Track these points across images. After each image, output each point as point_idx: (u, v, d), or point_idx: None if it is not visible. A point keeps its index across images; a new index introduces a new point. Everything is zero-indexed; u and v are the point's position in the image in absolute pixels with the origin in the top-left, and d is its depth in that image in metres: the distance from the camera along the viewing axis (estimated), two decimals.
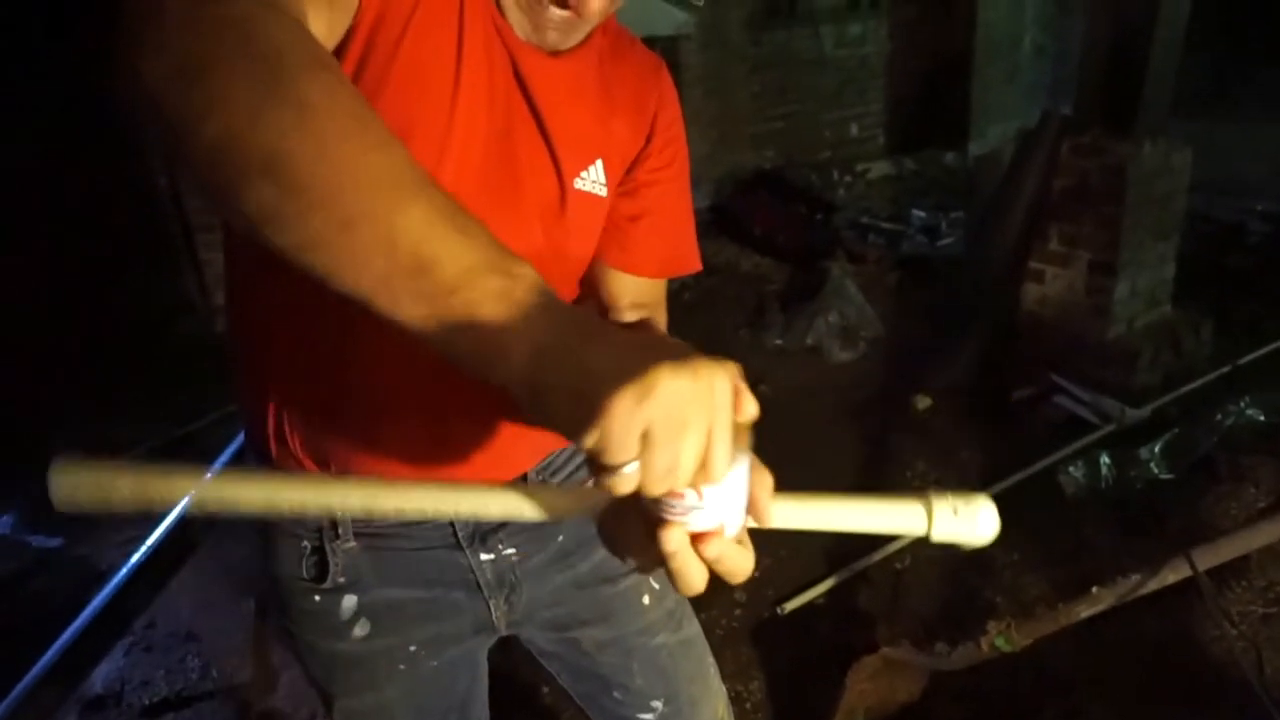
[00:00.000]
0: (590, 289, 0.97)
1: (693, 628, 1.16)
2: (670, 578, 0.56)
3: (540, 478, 0.99)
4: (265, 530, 0.95)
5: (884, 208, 5.26)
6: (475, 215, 0.54)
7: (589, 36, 0.86)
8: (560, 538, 1.03)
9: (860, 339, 3.74)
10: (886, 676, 1.83)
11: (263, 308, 0.86)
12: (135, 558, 2.53)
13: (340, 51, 0.73)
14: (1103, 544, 2.46)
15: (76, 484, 0.59)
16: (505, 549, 0.98)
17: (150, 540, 2.58)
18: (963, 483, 2.75)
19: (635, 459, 0.49)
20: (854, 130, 6.19)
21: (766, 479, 0.58)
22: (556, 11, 0.78)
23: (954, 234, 4.68)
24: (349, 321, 0.80)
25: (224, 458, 2.85)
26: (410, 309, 0.52)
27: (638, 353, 0.49)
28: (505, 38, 0.81)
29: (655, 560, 0.56)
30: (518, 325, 0.51)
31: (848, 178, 5.74)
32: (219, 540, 2.58)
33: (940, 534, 0.61)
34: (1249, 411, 2.87)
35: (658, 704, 1.12)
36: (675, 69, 5.33)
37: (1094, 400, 2.99)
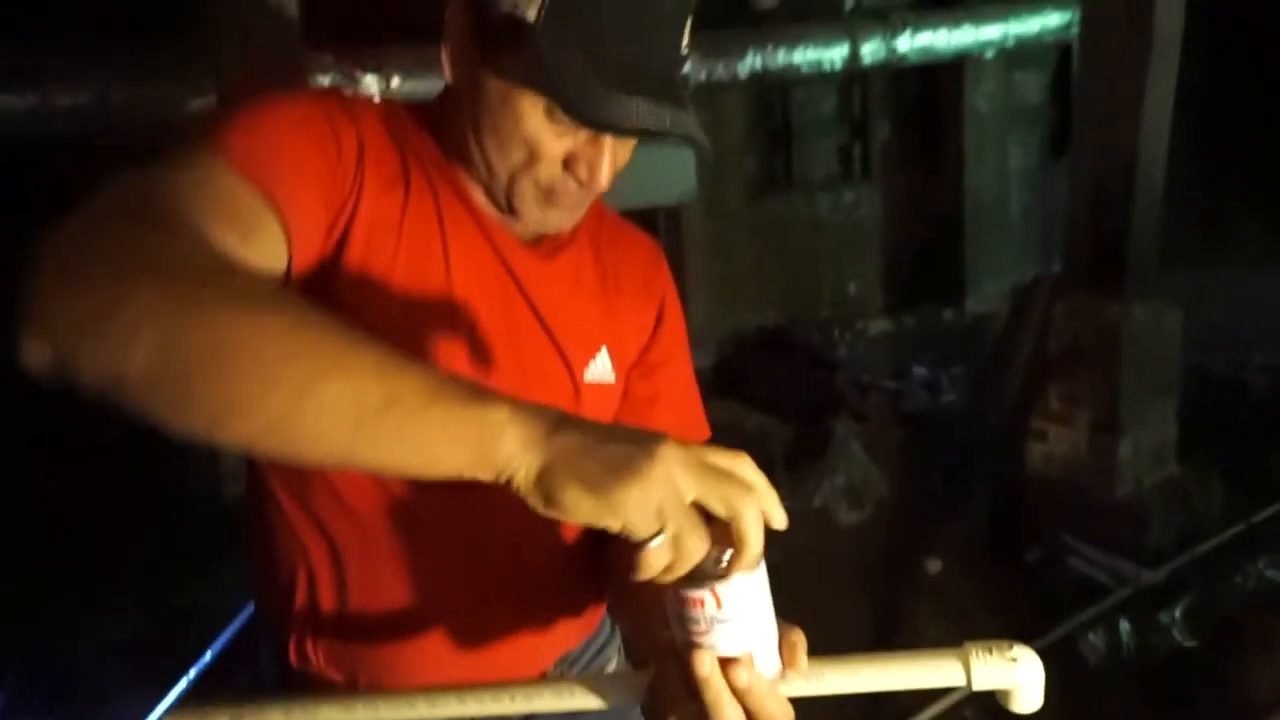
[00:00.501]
0: None
1: None
2: (707, 715, 0.58)
3: (559, 670, 0.97)
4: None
5: (885, 365, 5.34)
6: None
7: (578, 226, 0.88)
8: None
9: (867, 500, 3.72)
10: None
11: (285, 522, 0.86)
12: None
13: (326, 282, 0.75)
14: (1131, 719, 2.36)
15: None
16: None
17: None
18: None
19: (659, 532, 0.54)
20: (852, 289, 6.36)
21: (797, 631, 0.63)
22: (573, 186, 0.80)
23: (955, 390, 4.72)
24: (374, 537, 0.83)
25: (228, 634, 2.78)
26: (394, 448, 0.54)
27: (631, 435, 0.56)
28: (495, 242, 0.84)
29: (696, 710, 0.58)
30: (501, 423, 0.54)
31: (848, 335, 5.86)
32: None
33: (983, 680, 0.61)
34: (1268, 572, 2.81)
35: None
36: (678, 235, 5.58)
37: (1108, 561, 2.93)
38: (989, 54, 5.88)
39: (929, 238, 6.47)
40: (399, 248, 0.79)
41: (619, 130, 0.74)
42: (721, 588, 0.56)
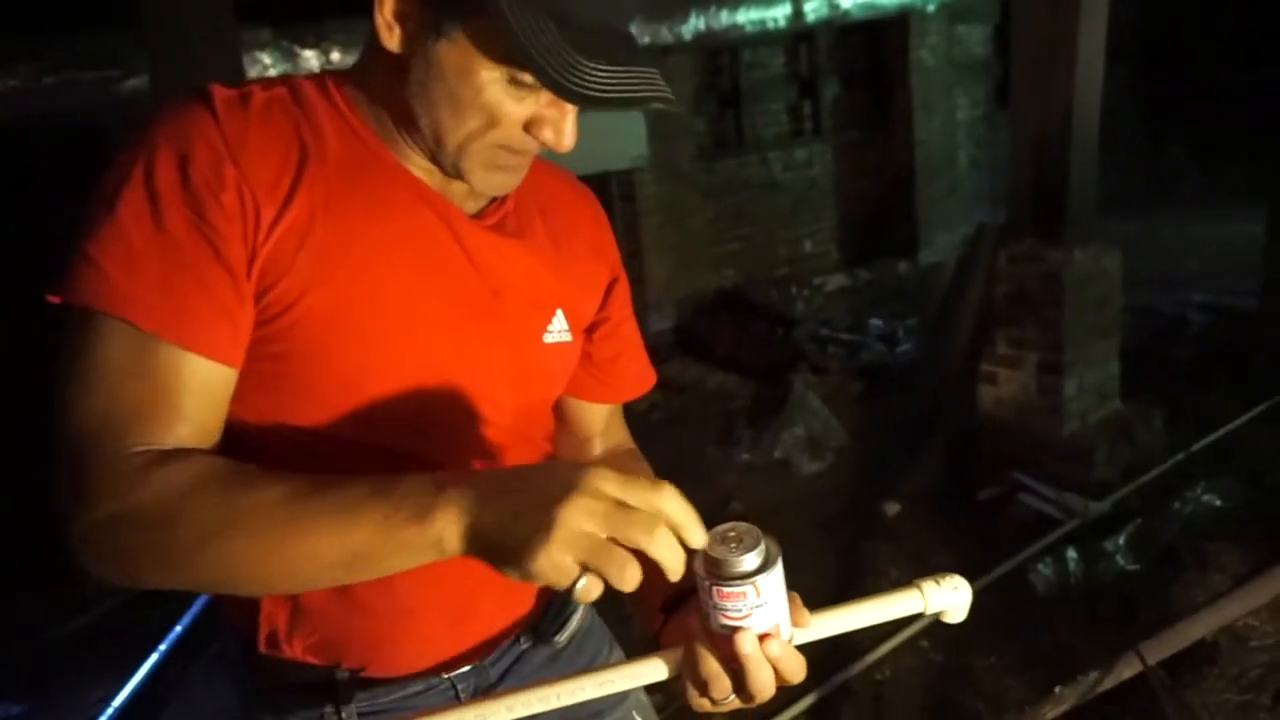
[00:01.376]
0: (560, 419, 1.01)
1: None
2: (747, 684, 0.68)
3: (528, 635, 0.99)
4: (255, 697, 0.92)
5: (842, 319, 5.43)
6: (345, 477, 0.71)
7: (520, 189, 0.87)
8: None
9: (827, 450, 3.81)
10: None
11: None
12: (102, 718, 2.46)
13: (276, 311, 0.77)
14: (1078, 641, 2.47)
15: None
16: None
17: (118, 701, 2.51)
18: None
19: (579, 576, 0.63)
20: (808, 246, 6.43)
21: (795, 597, 0.71)
22: (532, 148, 0.80)
23: (911, 341, 4.83)
24: None
25: (192, 614, 2.80)
26: (367, 575, 0.71)
27: (540, 499, 0.64)
28: (441, 215, 0.83)
29: (734, 679, 0.69)
30: (443, 533, 0.66)
31: (805, 292, 5.93)
32: (188, 701, 2.52)
33: (935, 605, 0.76)
34: (1206, 497, 2.95)
35: None
36: (632, 200, 5.59)
37: (1057, 496, 3.05)
38: (931, 7, 5.93)
39: (881, 192, 6.55)
40: (326, 247, 0.78)
41: (605, 103, 0.72)
42: (761, 579, 0.66)
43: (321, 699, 0.87)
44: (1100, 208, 3.35)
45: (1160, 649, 1.59)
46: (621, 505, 0.63)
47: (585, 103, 0.72)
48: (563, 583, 0.63)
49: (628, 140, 5.05)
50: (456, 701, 0.92)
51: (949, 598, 0.76)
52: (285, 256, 0.76)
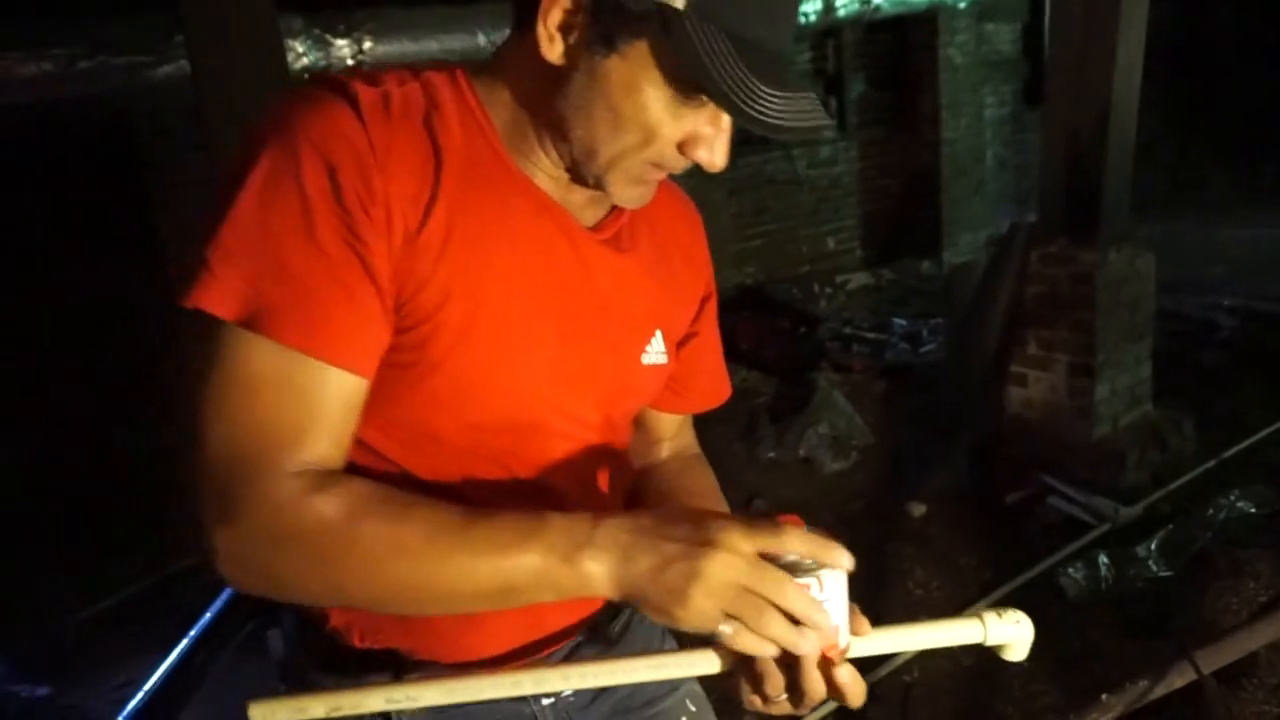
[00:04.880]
0: (633, 421, 1.00)
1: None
2: (800, 682, 0.71)
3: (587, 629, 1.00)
4: (313, 662, 0.92)
5: (866, 318, 5.40)
6: (496, 511, 0.73)
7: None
8: None
9: (851, 448, 3.79)
10: None
11: None
12: (130, 706, 2.47)
13: (415, 323, 0.76)
14: (1109, 647, 2.45)
15: (273, 715, 0.74)
16: (565, 691, 0.98)
17: (146, 686, 2.52)
18: (963, 589, 2.74)
19: (724, 625, 0.68)
20: (831, 244, 6.40)
21: (855, 607, 0.74)
22: (679, 166, 0.78)
23: (935, 340, 4.79)
24: None
25: (211, 612, 2.81)
26: (505, 605, 0.74)
27: (685, 550, 0.68)
28: (563, 228, 0.82)
29: (788, 676, 0.71)
30: (593, 575, 0.70)
31: (828, 290, 5.91)
32: (218, 687, 2.53)
33: (995, 638, 0.77)
34: (1239, 504, 2.91)
35: None
36: None
37: (1087, 500, 3.02)
38: (961, 4, 5.87)
39: (905, 191, 6.51)
40: (462, 258, 0.77)
41: (777, 130, 0.71)
42: (826, 575, 0.69)
43: (382, 667, 0.88)
44: (1131, 210, 3.31)
45: (1215, 657, 1.56)
46: (756, 559, 0.68)
47: (762, 129, 0.70)
48: (707, 629, 0.68)
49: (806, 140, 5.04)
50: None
51: (1010, 631, 0.78)
52: (425, 269, 0.76)
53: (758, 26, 0.71)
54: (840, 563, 0.69)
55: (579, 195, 0.84)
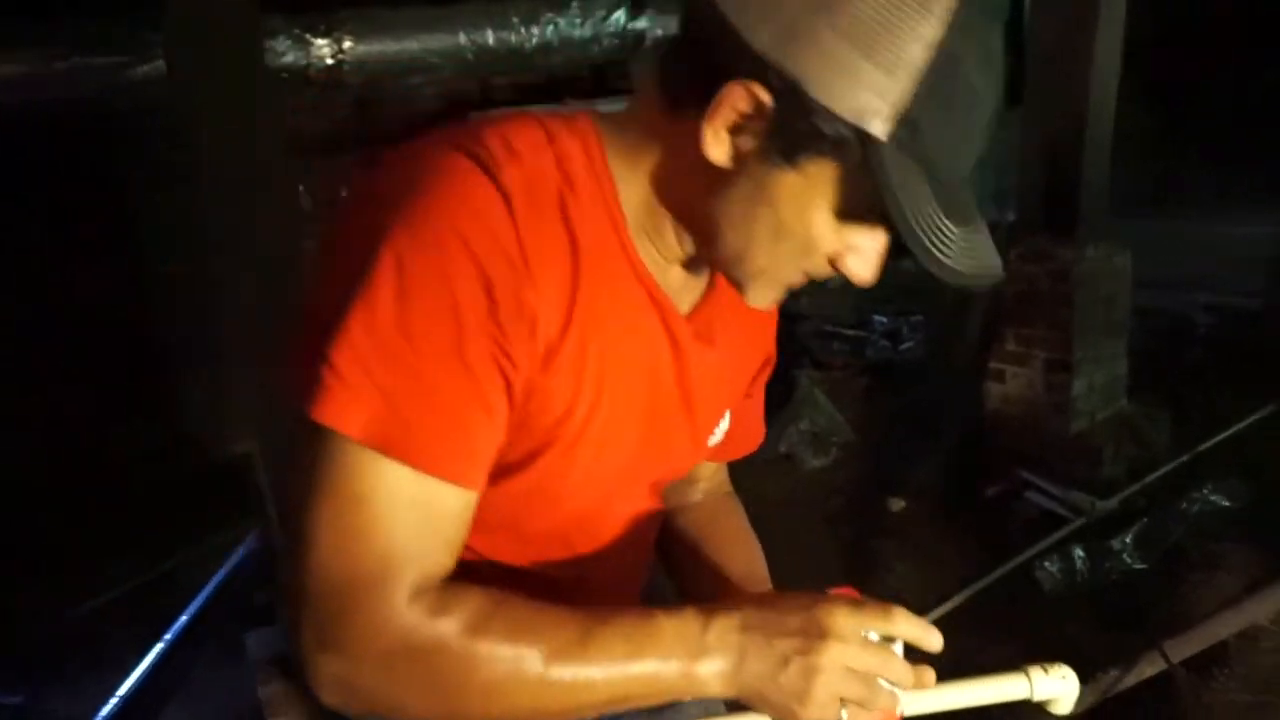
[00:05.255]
0: None
1: None
2: None
3: None
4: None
5: (847, 315, 5.42)
6: (616, 614, 0.72)
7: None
8: None
9: (832, 445, 3.81)
10: None
11: None
12: (105, 710, 2.46)
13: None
14: (1084, 639, 2.48)
15: None
16: None
17: (122, 691, 2.51)
18: (942, 583, 2.77)
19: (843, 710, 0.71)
20: None
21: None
22: (827, 274, 0.75)
23: (915, 338, 4.83)
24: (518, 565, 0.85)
25: (203, 597, 2.81)
26: (621, 708, 0.72)
27: (799, 646, 0.70)
28: (665, 315, 0.79)
29: None
30: (708, 679, 0.71)
31: (809, 287, 5.92)
32: (194, 691, 2.52)
33: (1041, 693, 0.80)
34: (1213, 498, 2.96)
35: None
36: None
37: (1063, 494, 3.06)
38: None
39: None
40: (589, 366, 0.75)
41: (962, 279, 0.67)
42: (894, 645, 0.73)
43: None
44: (1110, 207, 3.34)
45: (1184, 648, 1.59)
46: (866, 642, 0.71)
47: (944, 274, 0.67)
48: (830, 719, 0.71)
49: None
50: None
51: (1056, 686, 0.80)
52: (558, 385, 0.74)
53: (953, 156, 0.68)
54: (934, 644, 0.73)
55: (678, 276, 0.80)
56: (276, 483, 2.31)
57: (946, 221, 0.66)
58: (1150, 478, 3.16)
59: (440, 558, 0.70)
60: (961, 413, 3.52)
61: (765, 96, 0.65)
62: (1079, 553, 2.74)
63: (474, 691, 0.69)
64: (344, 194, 0.76)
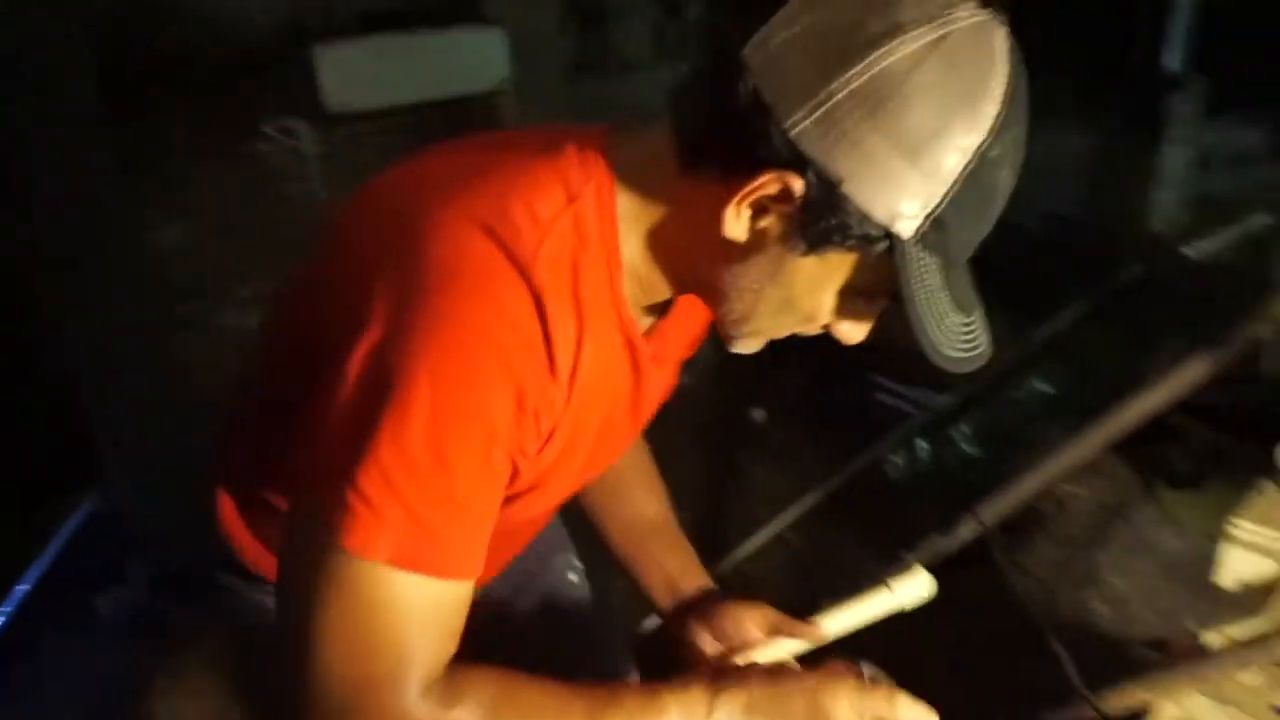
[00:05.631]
0: None
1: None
2: None
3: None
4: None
5: None
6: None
7: None
8: None
9: (697, 363, 3.93)
10: None
11: None
12: None
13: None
14: (931, 522, 2.69)
15: None
16: None
17: None
18: (801, 482, 2.94)
19: None
20: None
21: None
22: (817, 331, 0.77)
23: None
24: None
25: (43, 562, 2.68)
26: None
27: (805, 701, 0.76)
28: (637, 361, 0.81)
29: None
30: None
31: None
32: (46, 657, 2.44)
33: (903, 598, 0.93)
34: (1039, 385, 3.23)
35: None
36: (495, 124, 5.46)
37: (909, 392, 3.27)
38: None
39: None
40: (573, 419, 0.76)
41: (957, 367, 0.71)
42: None
43: None
44: None
45: (994, 510, 1.78)
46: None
47: (941, 362, 0.71)
48: None
49: (487, 60, 4.91)
50: None
51: (914, 586, 0.93)
52: (551, 450, 0.76)
53: (970, 247, 0.70)
54: None
55: (648, 308, 0.81)
56: (115, 441, 2.23)
57: (955, 315, 0.69)
58: (985, 372, 3.40)
59: (448, 646, 0.70)
60: None
61: (799, 188, 0.65)
62: (922, 444, 2.96)
63: None
64: (334, 232, 0.76)
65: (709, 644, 0.98)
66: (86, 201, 2.14)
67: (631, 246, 0.75)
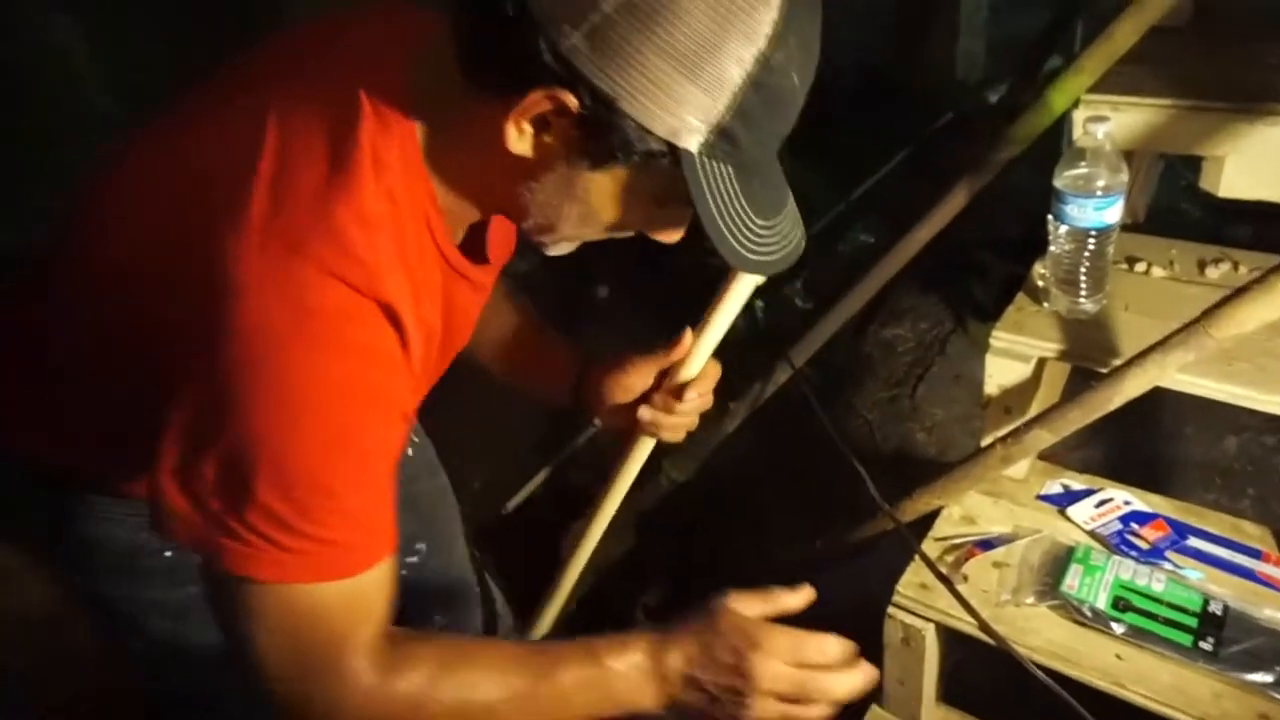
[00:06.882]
0: None
1: (444, 477, 1.36)
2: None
3: None
4: (81, 512, 0.90)
5: None
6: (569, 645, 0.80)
7: None
8: None
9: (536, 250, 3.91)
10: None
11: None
12: None
13: None
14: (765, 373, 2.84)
15: None
16: None
17: None
18: (646, 349, 3.01)
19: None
20: None
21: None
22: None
23: None
24: None
25: None
26: None
27: (720, 685, 0.78)
28: (472, 280, 0.84)
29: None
30: (652, 698, 0.80)
31: None
32: None
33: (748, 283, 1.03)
34: (861, 237, 3.40)
35: (421, 545, 1.26)
36: None
37: None
38: None
39: None
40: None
41: (763, 270, 0.72)
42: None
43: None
44: None
45: (804, 351, 1.91)
46: (800, 667, 0.77)
47: (746, 268, 0.71)
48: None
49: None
50: None
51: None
52: None
53: (767, 151, 0.69)
54: (868, 680, 0.82)
55: (468, 214, 0.81)
56: None
57: (755, 220, 0.69)
58: (813, 229, 3.55)
59: (381, 618, 0.74)
60: None
61: (573, 105, 0.63)
62: (758, 304, 3.08)
63: None
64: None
65: (624, 398, 1.15)
66: None
67: (441, 184, 0.75)
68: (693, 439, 2.49)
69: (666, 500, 2.07)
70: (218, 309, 0.63)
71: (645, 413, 1.10)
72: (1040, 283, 1.57)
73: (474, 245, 0.86)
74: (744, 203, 0.68)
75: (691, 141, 0.64)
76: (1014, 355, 1.50)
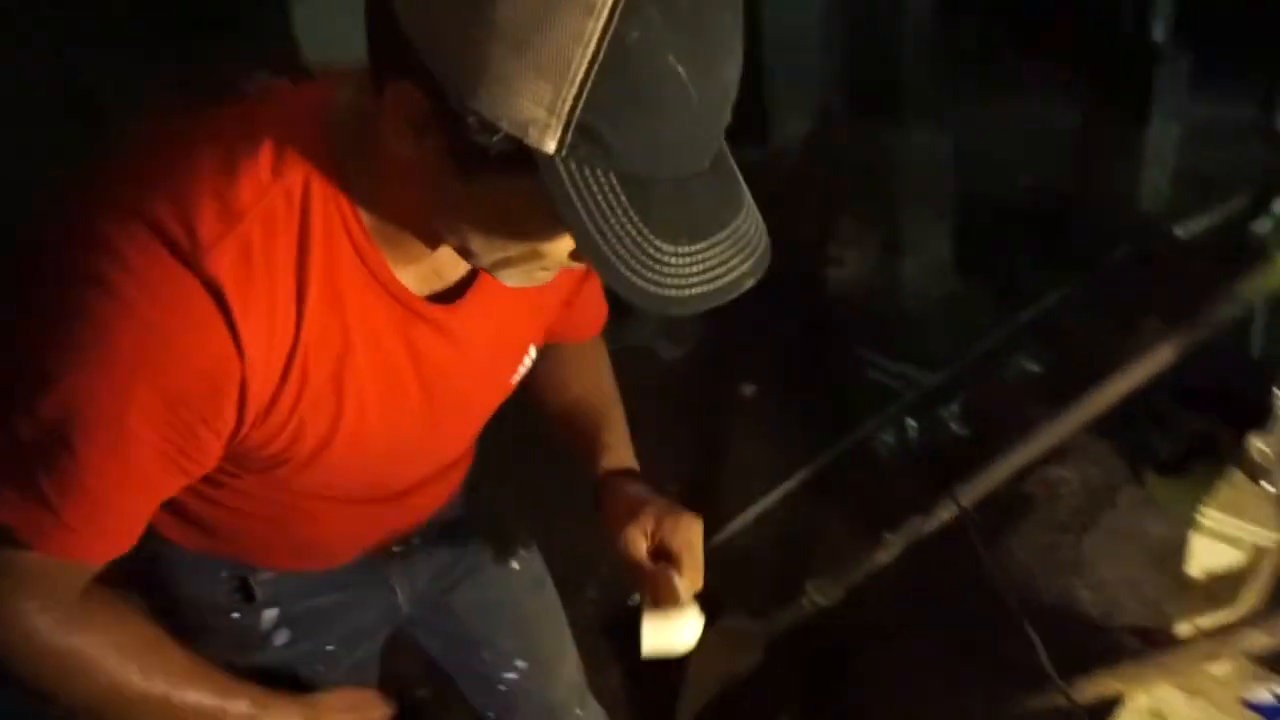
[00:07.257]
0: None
1: (553, 593, 1.28)
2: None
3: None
4: (167, 559, 0.94)
5: None
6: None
7: None
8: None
9: (687, 336, 3.92)
10: (726, 650, 1.97)
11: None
12: None
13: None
14: (918, 503, 2.71)
15: None
16: (413, 539, 1.07)
17: None
18: (789, 459, 2.94)
19: None
20: None
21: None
22: (578, 267, 0.67)
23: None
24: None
25: None
26: None
27: None
28: (438, 324, 0.76)
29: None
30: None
31: None
32: None
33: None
34: (1025, 365, 3.25)
35: (522, 663, 1.22)
36: None
37: (898, 370, 3.28)
38: None
39: None
40: (321, 394, 0.72)
41: (680, 310, 0.56)
42: None
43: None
44: (934, 93, 3.49)
45: (973, 492, 1.81)
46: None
47: (655, 306, 0.55)
48: None
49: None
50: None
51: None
52: (275, 425, 0.71)
53: (662, 157, 0.55)
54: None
55: (438, 264, 0.74)
56: None
57: (657, 243, 0.55)
58: (974, 351, 3.43)
59: (71, 595, 0.75)
60: (805, 298, 3.68)
61: (418, 96, 0.55)
62: (911, 423, 2.98)
63: (77, 689, 0.77)
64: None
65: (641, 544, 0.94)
66: None
67: (366, 200, 0.67)
68: (841, 563, 2.42)
69: (805, 623, 1.98)
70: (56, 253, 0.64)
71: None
72: (1259, 459, 1.44)
73: (457, 291, 0.78)
74: (638, 221, 0.55)
75: (547, 141, 0.53)
76: (1226, 539, 1.37)
